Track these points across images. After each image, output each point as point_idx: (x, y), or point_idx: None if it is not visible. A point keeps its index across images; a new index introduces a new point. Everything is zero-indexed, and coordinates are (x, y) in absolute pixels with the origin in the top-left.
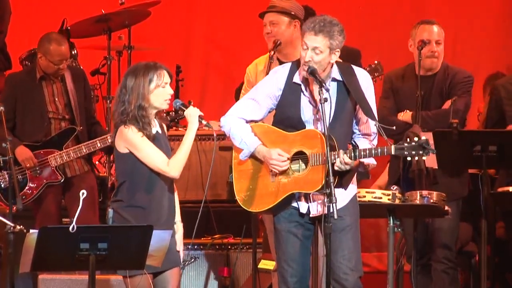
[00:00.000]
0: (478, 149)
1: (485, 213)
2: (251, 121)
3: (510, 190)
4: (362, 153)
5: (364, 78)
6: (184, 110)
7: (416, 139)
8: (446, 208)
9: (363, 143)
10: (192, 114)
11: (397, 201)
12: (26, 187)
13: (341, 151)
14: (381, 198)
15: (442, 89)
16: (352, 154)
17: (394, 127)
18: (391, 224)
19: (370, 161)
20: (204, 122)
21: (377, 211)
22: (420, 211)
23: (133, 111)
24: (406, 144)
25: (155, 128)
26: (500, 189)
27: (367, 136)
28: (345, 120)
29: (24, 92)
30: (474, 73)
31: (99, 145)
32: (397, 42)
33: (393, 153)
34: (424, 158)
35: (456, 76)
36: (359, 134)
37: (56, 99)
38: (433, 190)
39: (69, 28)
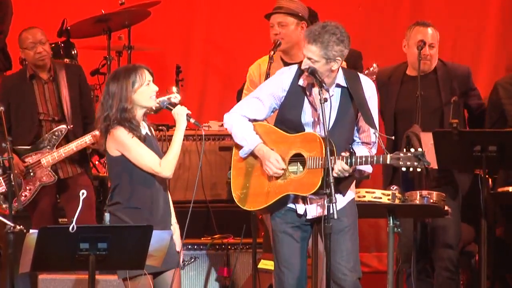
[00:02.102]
0: (478, 149)
1: (485, 214)
2: (254, 120)
3: (510, 190)
4: (358, 160)
5: (368, 87)
6: (172, 109)
7: (412, 150)
8: (446, 208)
9: (361, 151)
10: (180, 113)
11: (397, 201)
12: (21, 191)
13: (338, 160)
14: (381, 198)
15: (449, 86)
16: (348, 161)
17: (393, 137)
18: (391, 224)
19: (367, 168)
20: (192, 120)
21: (377, 211)
22: (420, 211)
23: (115, 114)
24: (401, 155)
25: (145, 129)
26: (500, 189)
27: (367, 144)
28: (346, 126)
29: (16, 94)
30: (473, 73)
31: (88, 141)
32: (397, 43)
33: (388, 162)
34: (418, 170)
35: (462, 72)
36: (359, 142)
37: (48, 99)
38: (433, 190)
39: (69, 28)
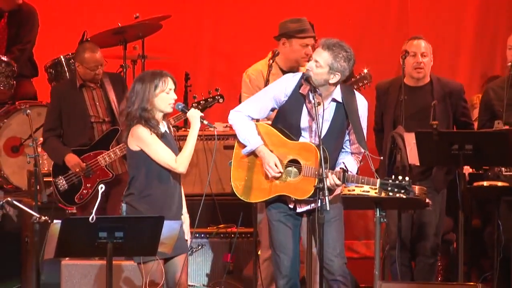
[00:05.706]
0: (455, 147)
1: (462, 206)
2: (256, 119)
3: (485, 184)
4: (350, 178)
5: (362, 105)
6: (186, 112)
7: (400, 178)
8: (427, 200)
9: (351, 162)
10: (194, 115)
11: (383, 194)
12: (82, 188)
13: (333, 175)
14: (368, 191)
15: (443, 97)
16: (341, 177)
17: (382, 157)
18: (378, 215)
19: (352, 170)
20: (205, 122)
21: (365, 204)
22: (404, 203)
23: (136, 111)
24: (390, 181)
25: (164, 128)
26: (475, 184)
27: (355, 154)
28: (337, 136)
29: (67, 101)
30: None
31: None
32: (384, 51)
33: (377, 186)
34: (404, 197)
35: (455, 87)
36: (348, 152)
37: (97, 103)
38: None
39: (89, 39)
